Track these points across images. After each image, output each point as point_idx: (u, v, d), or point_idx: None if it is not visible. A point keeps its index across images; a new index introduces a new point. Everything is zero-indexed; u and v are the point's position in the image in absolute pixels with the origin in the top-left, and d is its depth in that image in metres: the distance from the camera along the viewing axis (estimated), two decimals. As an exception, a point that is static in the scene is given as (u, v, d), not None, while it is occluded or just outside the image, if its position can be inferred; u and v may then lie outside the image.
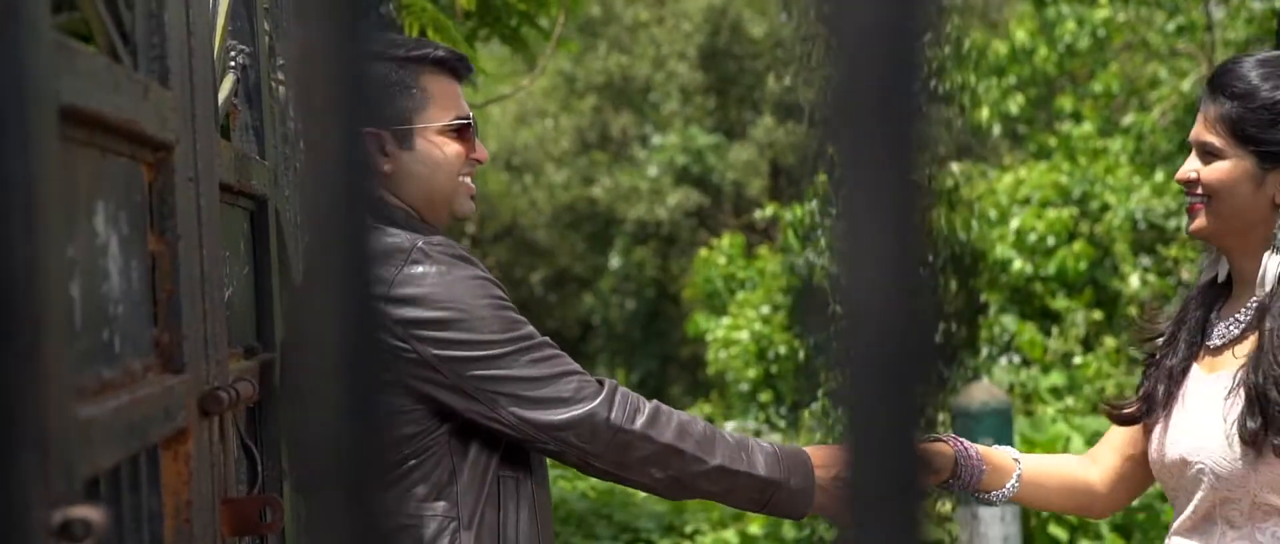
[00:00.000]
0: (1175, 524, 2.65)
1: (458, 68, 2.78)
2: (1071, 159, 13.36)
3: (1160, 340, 2.74)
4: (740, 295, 13.89)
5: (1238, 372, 2.53)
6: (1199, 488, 2.57)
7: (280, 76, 2.98)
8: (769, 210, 14.48)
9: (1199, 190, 2.58)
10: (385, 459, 0.83)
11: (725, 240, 14.89)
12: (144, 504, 1.76)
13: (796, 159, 0.82)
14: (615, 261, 20.46)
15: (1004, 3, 20.48)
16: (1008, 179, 13.62)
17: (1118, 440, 2.81)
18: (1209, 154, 2.57)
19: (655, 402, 2.65)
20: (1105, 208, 12.35)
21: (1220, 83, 2.56)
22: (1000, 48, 14.66)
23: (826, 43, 0.78)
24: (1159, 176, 12.12)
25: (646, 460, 2.61)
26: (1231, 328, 2.60)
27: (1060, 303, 12.72)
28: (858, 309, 0.81)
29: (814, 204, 0.81)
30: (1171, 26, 14.41)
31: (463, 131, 2.74)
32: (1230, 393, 2.52)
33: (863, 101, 0.79)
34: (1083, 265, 12.59)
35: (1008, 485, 2.77)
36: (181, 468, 1.89)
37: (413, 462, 2.57)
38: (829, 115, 0.78)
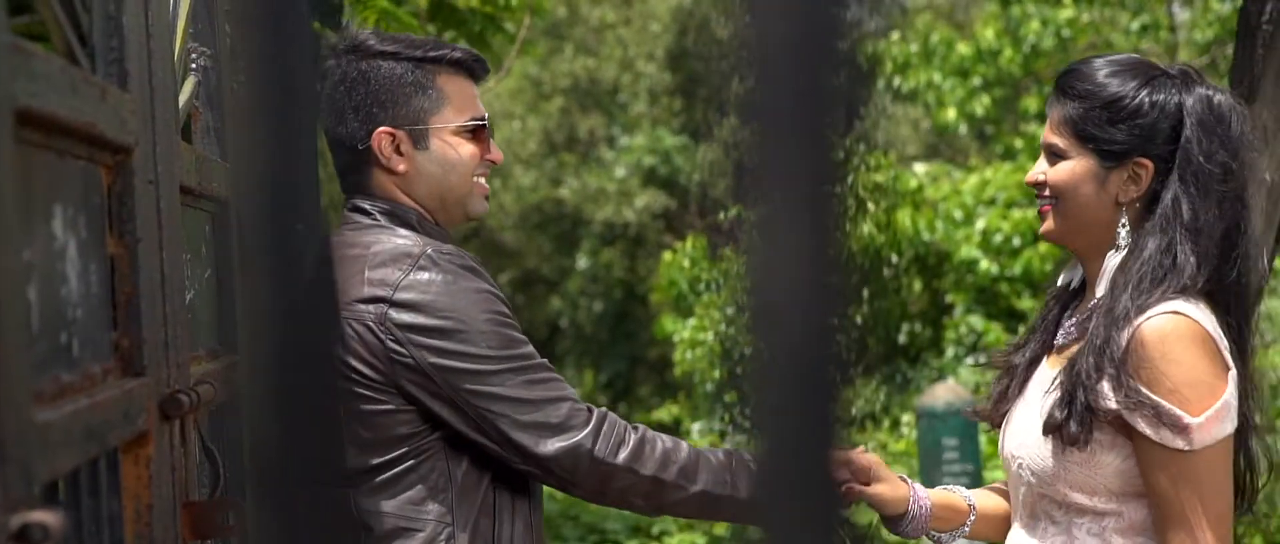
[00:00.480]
0: (1014, 519, 2.67)
1: (474, 69, 2.78)
2: (1037, 160, 13.38)
3: (1014, 344, 2.74)
4: (705, 297, 13.89)
5: (1060, 375, 2.53)
6: (1022, 484, 2.58)
7: (242, 78, 2.97)
8: (734, 211, 14.47)
9: (1047, 192, 2.58)
10: (312, 461, 0.83)
11: (688, 242, 14.90)
12: (104, 508, 1.75)
13: (740, 157, 0.82)
14: (583, 263, 20.46)
15: (970, 3, 20.53)
16: (974, 180, 13.66)
17: None
18: (1055, 155, 2.56)
19: (642, 430, 2.65)
20: (1070, 208, 12.38)
21: (1063, 84, 2.56)
22: (964, 49, 14.70)
23: (745, 54, 0.78)
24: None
25: (628, 490, 2.63)
26: (1073, 328, 2.59)
27: (1026, 303, 12.76)
28: (773, 316, 0.81)
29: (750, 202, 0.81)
30: (1136, 26, 14.47)
31: (478, 132, 2.75)
32: (1050, 391, 2.53)
33: (778, 111, 0.79)
34: (1048, 266, 12.63)
35: (965, 525, 2.79)
36: (142, 472, 1.88)
37: (409, 463, 2.58)
38: (747, 125, 0.78)
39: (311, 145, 0.86)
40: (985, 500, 2.84)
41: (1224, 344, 2.43)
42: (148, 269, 1.91)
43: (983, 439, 9.34)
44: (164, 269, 2.02)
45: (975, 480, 8.60)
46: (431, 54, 2.71)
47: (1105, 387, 2.42)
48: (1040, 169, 2.59)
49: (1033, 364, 2.66)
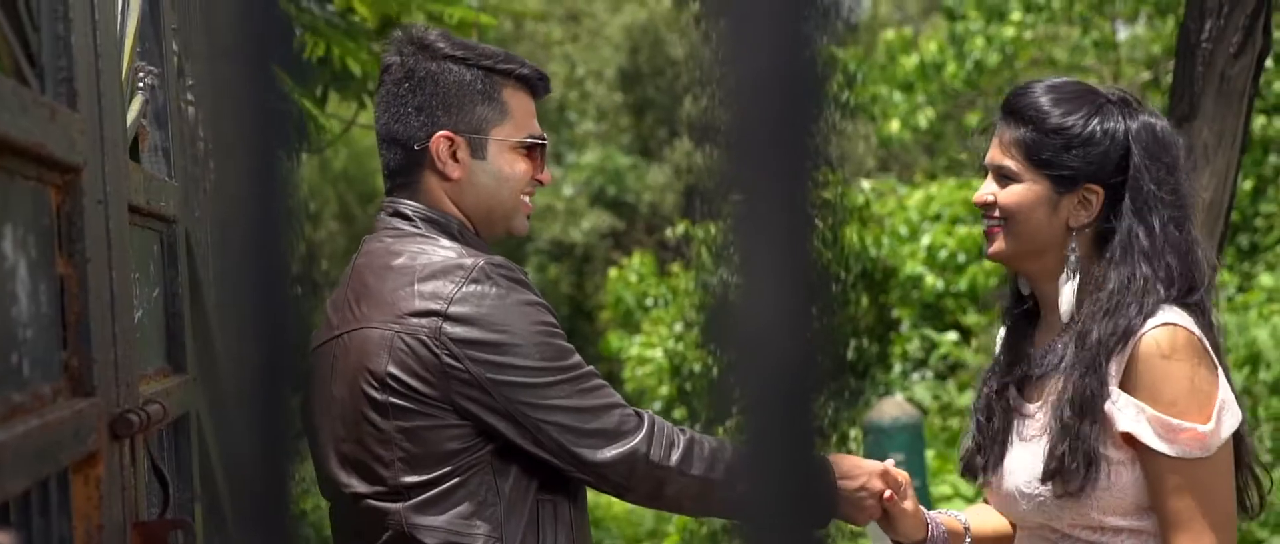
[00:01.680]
0: None
1: (538, 87, 2.79)
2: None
3: (989, 375, 2.75)
4: (653, 313, 13.92)
5: (1048, 410, 2.56)
6: (1036, 518, 2.59)
7: (190, 97, 2.97)
8: (681, 228, 14.53)
9: (996, 214, 2.60)
10: (286, 485, 0.83)
11: (636, 259, 14.92)
12: (54, 528, 1.75)
13: (710, 181, 0.83)
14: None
15: (920, 16, 20.64)
16: (919, 196, 13.73)
17: None
18: (1005, 177, 2.58)
19: (690, 433, 2.66)
20: (1015, 224, 12.47)
21: (1015, 107, 2.58)
22: (907, 63, 14.78)
23: (725, 78, 0.79)
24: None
25: (680, 492, 2.64)
26: (1048, 357, 2.60)
27: (971, 319, 12.83)
28: (753, 331, 0.82)
29: (726, 223, 0.82)
30: (1087, 41, 14.58)
31: (533, 151, 2.75)
32: (1043, 430, 2.55)
33: (757, 132, 0.80)
34: (993, 282, 12.71)
35: None
36: (92, 492, 1.88)
37: (457, 479, 2.57)
38: (726, 146, 0.80)
39: (289, 170, 0.87)
40: (978, 520, 2.85)
41: (1211, 347, 2.47)
42: (97, 289, 1.91)
43: (929, 454, 9.38)
44: (113, 289, 2.02)
45: (922, 495, 8.64)
46: (501, 66, 2.72)
47: (1109, 410, 2.45)
48: (989, 190, 2.61)
49: (1006, 398, 2.67)
